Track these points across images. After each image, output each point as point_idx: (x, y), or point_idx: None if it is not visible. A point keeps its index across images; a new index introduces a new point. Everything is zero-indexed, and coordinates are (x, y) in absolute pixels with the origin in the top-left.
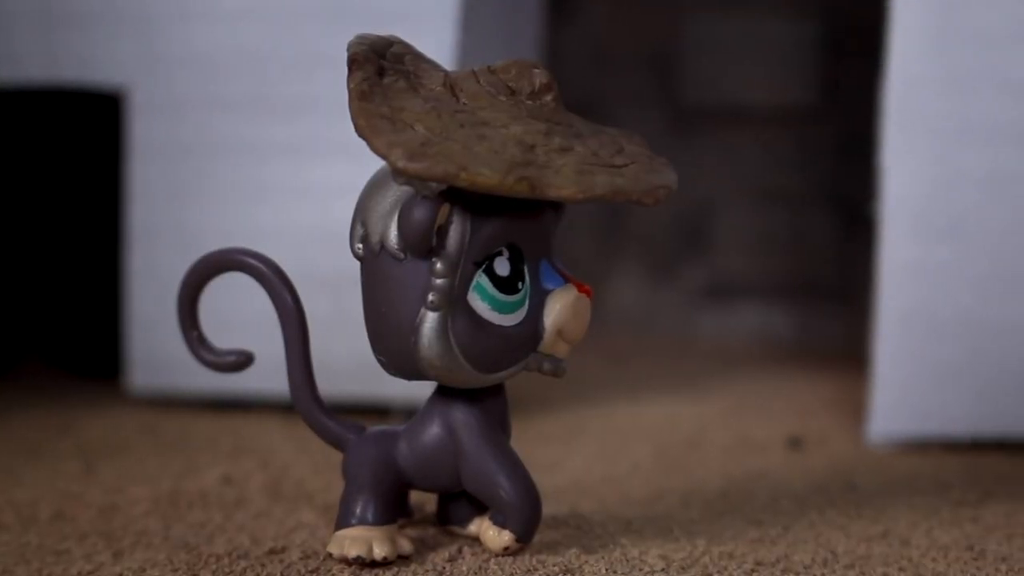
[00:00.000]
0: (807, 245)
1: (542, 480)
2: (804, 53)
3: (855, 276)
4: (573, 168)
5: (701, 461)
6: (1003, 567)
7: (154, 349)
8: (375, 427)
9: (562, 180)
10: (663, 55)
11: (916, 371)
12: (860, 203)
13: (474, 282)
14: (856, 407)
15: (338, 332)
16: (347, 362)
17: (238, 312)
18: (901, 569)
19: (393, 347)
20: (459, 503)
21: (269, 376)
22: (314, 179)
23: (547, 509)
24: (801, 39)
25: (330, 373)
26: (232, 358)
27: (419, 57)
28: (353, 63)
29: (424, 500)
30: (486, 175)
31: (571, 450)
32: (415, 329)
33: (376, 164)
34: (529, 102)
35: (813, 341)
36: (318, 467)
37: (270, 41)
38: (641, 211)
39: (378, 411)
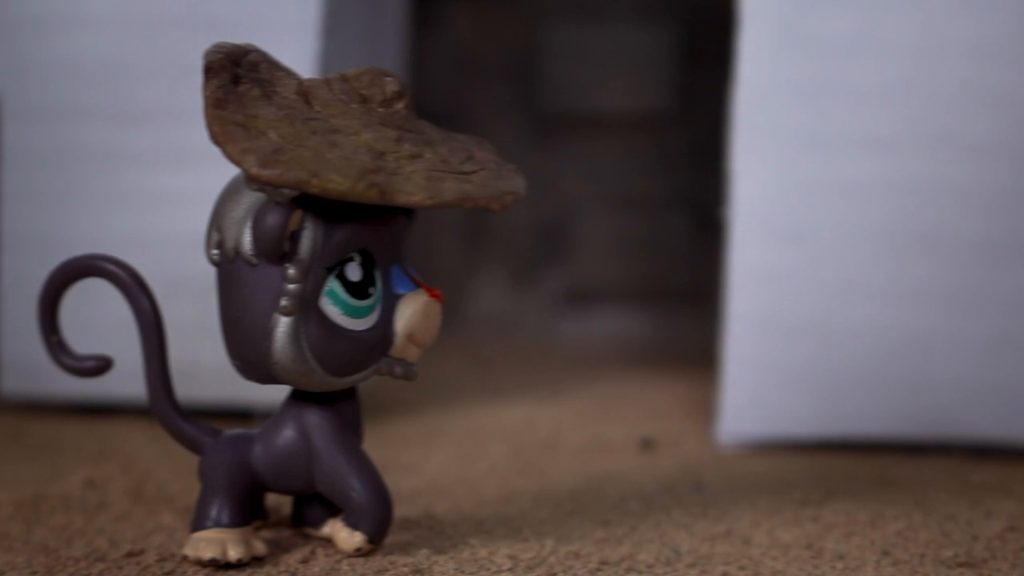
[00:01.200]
0: (665, 250)
1: (399, 482)
2: (661, 60)
3: (710, 280)
4: (422, 175)
5: (555, 462)
6: (839, 565)
7: (25, 355)
8: (231, 430)
9: (411, 186)
10: (525, 63)
11: (764, 373)
12: (712, 208)
13: (326, 287)
14: (708, 409)
15: (205, 337)
16: (213, 367)
17: (105, 317)
18: (741, 568)
19: (247, 351)
20: (313, 505)
21: (136, 381)
22: (182, 186)
23: (402, 511)
24: (658, 47)
25: (197, 378)
26: (91, 363)
27: (274, 65)
28: (208, 71)
29: (282, 502)
30: (337, 181)
31: (429, 452)
32: (268, 334)
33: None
34: (381, 109)
35: (670, 344)
36: (180, 470)
37: (138, 49)
38: (504, 216)
39: (243, 415)
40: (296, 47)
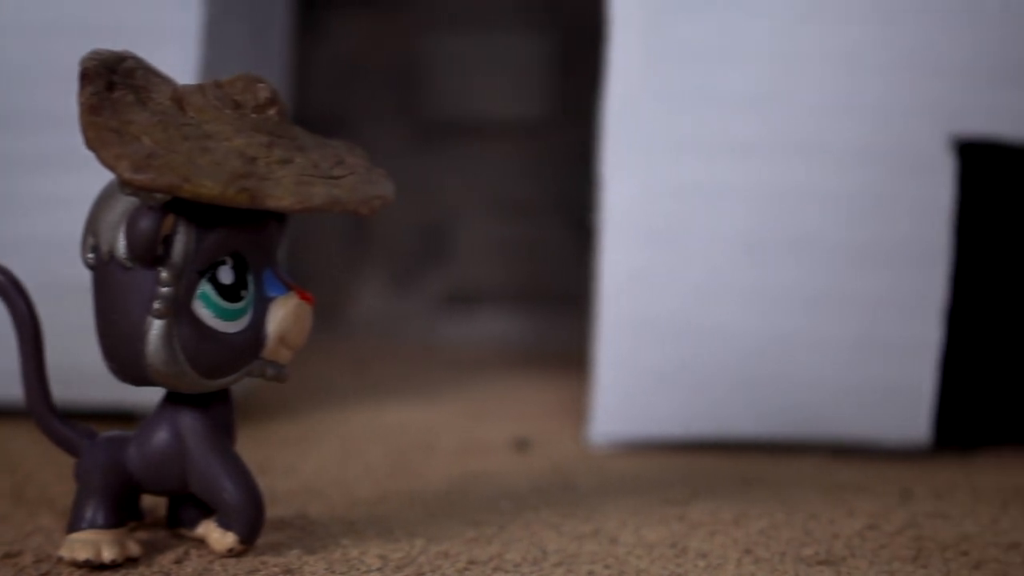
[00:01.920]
0: (544, 254)
1: (275, 483)
2: (540, 68)
3: (587, 284)
4: (292, 179)
5: (430, 463)
6: (701, 563)
7: None
8: (107, 432)
9: (281, 191)
10: (408, 70)
11: (634, 375)
12: (584, 213)
13: (199, 290)
14: (583, 410)
15: (90, 340)
16: (98, 369)
17: None
18: (607, 567)
19: (122, 354)
20: (188, 506)
21: (19, 384)
22: (62, 190)
23: (276, 512)
24: (537, 55)
25: (82, 380)
26: None
27: (150, 71)
28: (84, 77)
29: (157, 503)
30: (208, 186)
31: (307, 454)
32: (141, 336)
33: None
34: (253, 115)
35: (548, 346)
36: (63, 473)
37: (23, 54)
38: (387, 220)
39: (127, 417)
40: (178, 54)
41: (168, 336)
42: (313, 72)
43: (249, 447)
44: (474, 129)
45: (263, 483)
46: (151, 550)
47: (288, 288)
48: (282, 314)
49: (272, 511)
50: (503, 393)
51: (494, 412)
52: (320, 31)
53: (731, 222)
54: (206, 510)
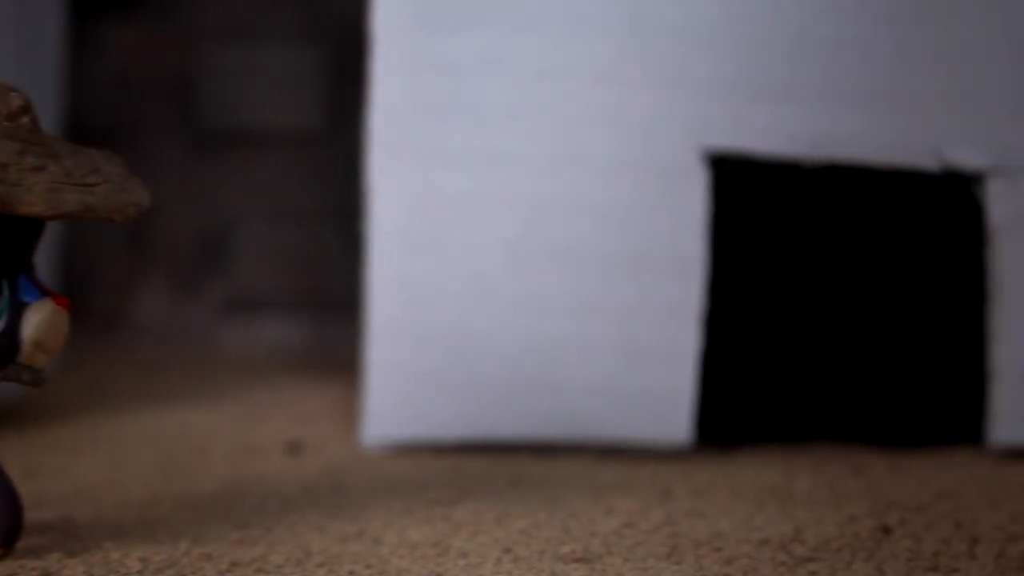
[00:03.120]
0: (319, 261)
1: (44, 487)
2: (314, 80)
3: (361, 290)
4: (44, 186)
5: (203, 467)
6: (462, 562)
7: None
8: None
9: (33, 197)
10: (184, 81)
11: (404, 378)
12: (353, 221)
13: None
14: (356, 413)
15: None
16: None
17: None
18: (368, 566)
19: None
20: None
21: None
22: None
23: (41, 515)
24: (311, 67)
25: None
26: None
27: None
28: None
29: None
30: None
31: (80, 458)
32: None
33: None
34: (6, 123)
35: (326, 351)
36: None
37: None
38: (167, 228)
39: None
40: None
41: None
42: (89, 83)
43: (21, 451)
44: (250, 139)
45: (32, 487)
46: None
47: (44, 293)
48: (37, 319)
49: (37, 514)
50: (281, 397)
51: (271, 416)
52: (94, 42)
53: (495, 231)
54: None
